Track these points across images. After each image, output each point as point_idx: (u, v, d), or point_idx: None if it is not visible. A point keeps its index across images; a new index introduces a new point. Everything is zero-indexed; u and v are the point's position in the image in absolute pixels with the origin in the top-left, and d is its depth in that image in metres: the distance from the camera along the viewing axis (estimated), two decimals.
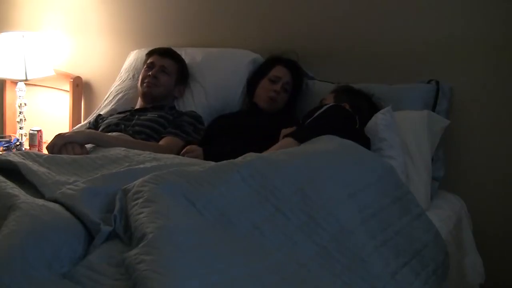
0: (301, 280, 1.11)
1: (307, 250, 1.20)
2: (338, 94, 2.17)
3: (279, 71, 2.32)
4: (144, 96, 2.36)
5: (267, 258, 1.13)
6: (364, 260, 1.24)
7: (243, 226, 1.21)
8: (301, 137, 1.82)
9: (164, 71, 2.38)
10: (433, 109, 2.20)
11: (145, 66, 2.42)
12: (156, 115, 2.24)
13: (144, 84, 2.35)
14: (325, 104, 2.06)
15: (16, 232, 1.06)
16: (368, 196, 1.44)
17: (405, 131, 2.04)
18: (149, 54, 2.46)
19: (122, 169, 1.47)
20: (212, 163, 1.44)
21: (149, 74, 2.35)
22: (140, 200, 1.18)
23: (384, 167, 1.63)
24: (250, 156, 1.45)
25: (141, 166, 1.50)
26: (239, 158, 1.43)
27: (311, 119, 1.96)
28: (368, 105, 2.13)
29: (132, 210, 1.16)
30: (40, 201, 1.21)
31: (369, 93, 2.18)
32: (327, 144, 1.66)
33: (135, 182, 1.27)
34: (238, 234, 1.19)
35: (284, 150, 1.62)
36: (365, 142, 1.93)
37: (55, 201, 1.23)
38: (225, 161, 1.41)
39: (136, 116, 2.26)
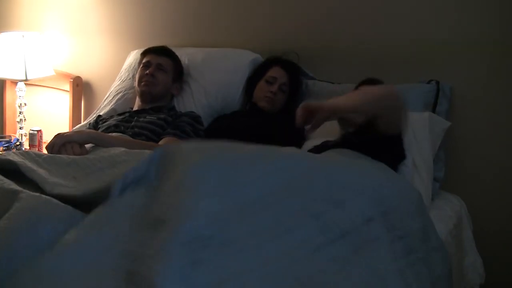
0: (317, 284, 1.09)
1: (326, 256, 1.17)
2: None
3: (275, 72, 2.32)
4: (143, 95, 2.34)
5: (286, 258, 1.11)
6: (383, 278, 1.21)
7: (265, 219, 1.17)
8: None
9: (161, 69, 2.36)
10: (433, 109, 2.20)
11: (141, 66, 2.40)
12: (155, 117, 2.23)
13: (142, 83, 2.33)
14: None
15: (8, 227, 1.07)
16: (397, 218, 1.40)
17: (406, 132, 2.03)
18: (144, 53, 2.44)
19: None
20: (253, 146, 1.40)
21: (147, 73, 2.33)
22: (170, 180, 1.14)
23: (416, 194, 1.58)
24: (294, 150, 1.44)
25: None
26: (281, 148, 1.42)
27: None
28: None
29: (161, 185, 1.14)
30: (37, 194, 1.21)
31: None
32: (363, 160, 1.63)
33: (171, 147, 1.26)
34: (264, 224, 1.15)
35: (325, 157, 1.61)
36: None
37: (56, 196, 1.23)
38: (266, 147, 1.39)
39: (135, 118, 2.25)
